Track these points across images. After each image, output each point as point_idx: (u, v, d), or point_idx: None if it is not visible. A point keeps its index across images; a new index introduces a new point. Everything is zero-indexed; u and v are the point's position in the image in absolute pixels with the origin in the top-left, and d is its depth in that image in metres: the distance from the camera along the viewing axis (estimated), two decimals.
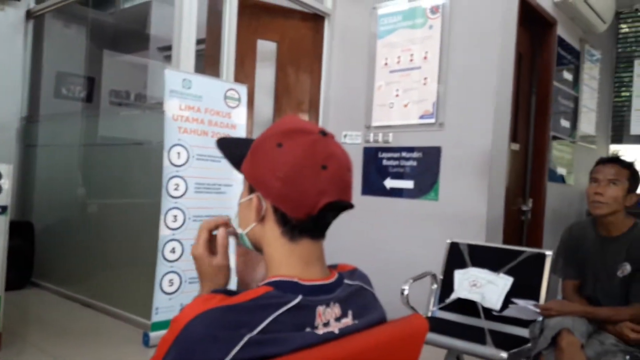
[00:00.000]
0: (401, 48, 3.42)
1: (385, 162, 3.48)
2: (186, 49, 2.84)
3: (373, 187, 3.52)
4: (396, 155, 3.43)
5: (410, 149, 3.36)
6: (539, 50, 3.76)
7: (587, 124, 4.48)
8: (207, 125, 2.54)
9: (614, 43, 5.31)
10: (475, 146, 3.09)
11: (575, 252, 2.22)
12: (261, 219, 0.86)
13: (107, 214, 3.68)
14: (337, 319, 0.83)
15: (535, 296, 2.41)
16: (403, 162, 3.40)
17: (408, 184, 3.37)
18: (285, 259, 0.85)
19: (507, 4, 3.11)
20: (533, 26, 3.63)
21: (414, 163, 3.35)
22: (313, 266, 0.86)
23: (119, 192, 3.54)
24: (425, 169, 3.30)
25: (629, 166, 2.09)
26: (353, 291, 0.89)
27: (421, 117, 3.31)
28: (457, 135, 3.16)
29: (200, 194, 2.52)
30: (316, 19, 3.73)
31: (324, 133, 0.86)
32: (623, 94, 5.28)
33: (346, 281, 0.89)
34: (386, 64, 3.48)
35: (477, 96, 3.09)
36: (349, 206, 0.86)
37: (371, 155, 3.55)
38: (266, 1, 3.51)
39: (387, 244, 3.43)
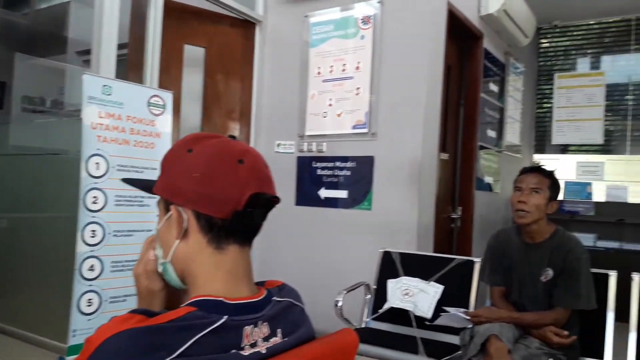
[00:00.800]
0: (334, 57, 3.41)
1: (319, 172, 3.45)
2: (107, 53, 2.68)
3: (307, 197, 3.48)
4: (330, 164, 3.41)
5: (344, 159, 3.35)
6: (467, 63, 3.88)
7: (512, 134, 4.67)
8: (128, 133, 2.39)
9: (535, 57, 5.60)
10: (406, 156, 3.12)
11: (501, 259, 2.26)
12: (184, 233, 0.81)
13: (18, 229, 3.41)
14: (266, 339, 0.79)
15: (465, 303, 2.45)
16: (337, 172, 3.38)
17: (342, 194, 3.35)
18: (212, 275, 0.80)
19: (436, 17, 3.18)
20: (461, 39, 3.74)
21: (348, 173, 3.34)
22: (241, 282, 0.82)
23: (31, 206, 3.29)
24: (359, 179, 3.29)
25: (550, 175, 2.17)
26: (282, 308, 0.85)
27: (354, 126, 3.31)
28: (389, 144, 3.18)
29: (121, 207, 2.36)
30: (247, 26, 3.65)
31: (232, 137, 0.86)
32: (545, 105, 5.57)
33: (275, 298, 0.85)
34: (319, 72, 3.46)
35: (408, 106, 3.12)
36: (276, 200, 0.83)
37: (305, 164, 3.50)
38: (194, 5, 3.39)
39: (322, 255, 3.39)
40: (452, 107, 3.77)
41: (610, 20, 5.40)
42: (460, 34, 3.67)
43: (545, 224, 2.17)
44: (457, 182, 3.87)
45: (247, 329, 0.77)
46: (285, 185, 3.52)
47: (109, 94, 2.36)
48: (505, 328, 2.00)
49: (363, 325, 2.64)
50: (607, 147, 5.23)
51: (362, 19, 3.31)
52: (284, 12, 3.67)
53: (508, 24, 3.98)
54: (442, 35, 3.24)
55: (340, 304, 2.50)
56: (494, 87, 4.20)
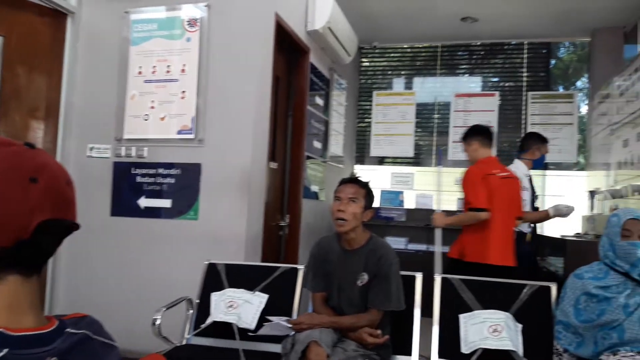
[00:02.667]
0: (157, 57, 3.21)
1: (139, 179, 3.20)
2: None
3: (125, 206, 3.20)
4: (152, 171, 3.19)
5: (168, 165, 3.17)
6: (295, 75, 3.98)
7: (336, 145, 4.92)
8: None
9: (357, 75, 6.01)
10: (235, 164, 3.06)
11: (323, 265, 2.33)
12: None
13: None
14: None
15: (288, 311, 2.46)
16: (160, 180, 3.18)
17: (165, 203, 3.16)
18: None
19: (264, 28, 3.19)
20: (289, 51, 3.82)
21: (172, 180, 3.16)
22: (24, 314, 0.70)
23: None
24: (184, 187, 3.13)
25: (365, 186, 2.32)
26: (76, 341, 0.73)
27: (179, 131, 3.15)
28: (218, 152, 3.09)
29: None
30: (57, 16, 3.25)
31: (30, 145, 0.73)
32: (366, 120, 6.00)
33: (68, 330, 0.73)
34: (140, 72, 3.23)
35: (236, 114, 3.07)
36: (74, 226, 0.73)
37: (123, 171, 3.23)
38: None
39: (143, 270, 3.15)
40: (281, 118, 3.82)
41: (421, 45, 6.06)
42: (288, 47, 3.75)
43: (361, 231, 2.30)
44: (285, 191, 3.93)
45: None
46: (98, 193, 3.20)
47: None
48: (324, 333, 2.05)
49: (184, 342, 2.49)
50: (416, 160, 5.83)
51: (188, 21, 3.18)
52: (101, 6, 3.35)
53: (332, 41, 4.19)
54: (270, 46, 3.26)
55: (158, 322, 2.33)
56: (319, 101, 4.38)
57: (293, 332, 2.13)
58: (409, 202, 5.51)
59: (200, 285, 2.63)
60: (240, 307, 2.41)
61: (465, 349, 2.18)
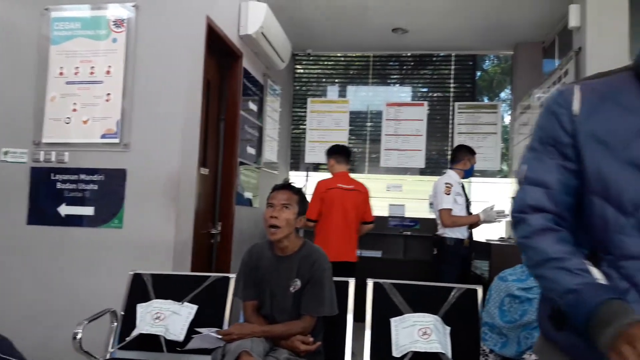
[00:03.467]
0: (80, 58, 3.05)
1: (59, 186, 3.02)
2: None
3: (44, 214, 3.01)
4: (74, 177, 3.01)
5: (91, 171, 3.00)
6: (227, 80, 3.91)
7: (270, 152, 4.89)
8: None
9: (291, 81, 6.02)
10: (163, 170, 2.95)
11: (255, 272, 2.29)
12: None
13: None
14: None
15: (219, 322, 2.39)
16: (82, 186, 3.01)
17: (88, 211, 2.99)
18: None
19: (195, 30, 3.11)
20: (221, 55, 3.75)
21: (95, 187, 3.00)
22: None
23: None
24: (108, 194, 2.98)
25: (298, 192, 2.30)
26: None
27: (103, 136, 3.00)
28: (144, 157, 2.96)
29: None
30: None
31: None
32: (301, 127, 6.01)
33: None
34: (62, 73, 3.05)
35: (164, 118, 2.97)
36: None
37: (41, 177, 3.03)
38: None
39: (64, 281, 2.96)
40: (213, 123, 3.74)
41: (354, 55, 6.16)
42: (220, 51, 3.68)
43: (294, 238, 2.28)
44: (217, 198, 3.84)
45: None
46: (13, 201, 2.99)
47: None
48: (256, 343, 2.00)
49: (108, 357, 2.36)
50: (350, 167, 5.90)
51: (114, 21, 3.05)
52: (18, 1, 3.14)
53: (266, 46, 4.16)
54: (201, 49, 3.18)
55: (79, 336, 2.19)
56: (253, 106, 4.33)
57: (223, 343, 2.07)
58: None
59: (125, 296, 2.51)
60: (167, 318, 2.31)
61: (396, 352, 2.21)
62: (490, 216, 3.77)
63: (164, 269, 2.79)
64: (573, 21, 3.76)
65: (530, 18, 4.89)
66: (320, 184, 3.92)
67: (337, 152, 4.01)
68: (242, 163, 4.05)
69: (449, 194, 3.79)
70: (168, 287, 2.50)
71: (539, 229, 1.05)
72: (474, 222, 3.85)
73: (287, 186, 2.31)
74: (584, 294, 0.94)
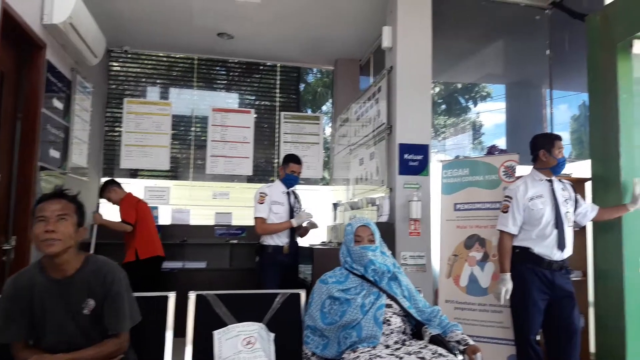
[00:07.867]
0: None
1: None
2: None
3: None
4: None
5: None
6: (26, 73, 3.39)
7: (79, 155, 4.38)
8: None
9: (106, 79, 5.52)
10: None
11: (29, 306, 1.90)
12: None
13: None
14: None
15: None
16: None
17: None
18: None
19: None
20: (19, 45, 3.24)
21: None
22: None
23: None
24: None
25: (74, 200, 1.98)
26: None
27: None
28: None
29: None
30: None
31: None
32: (117, 129, 5.52)
33: None
34: None
35: None
36: None
37: None
38: None
39: None
40: (7, 120, 3.20)
41: (177, 56, 5.89)
42: (18, 39, 3.18)
43: (75, 253, 1.95)
44: (11, 207, 3.29)
45: None
46: None
47: None
48: None
49: None
50: (173, 173, 5.61)
51: None
52: None
53: (75, 39, 3.73)
54: None
55: None
56: (58, 104, 3.83)
57: None
58: (165, 218, 5.25)
59: None
60: None
61: None
62: (301, 217, 3.86)
63: None
64: (386, 41, 4.10)
65: (349, 35, 5.22)
66: (129, 198, 4.45)
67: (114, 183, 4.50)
68: (43, 168, 3.54)
69: (262, 203, 3.82)
70: None
71: None
72: (286, 228, 3.89)
73: (59, 194, 1.95)
74: None
